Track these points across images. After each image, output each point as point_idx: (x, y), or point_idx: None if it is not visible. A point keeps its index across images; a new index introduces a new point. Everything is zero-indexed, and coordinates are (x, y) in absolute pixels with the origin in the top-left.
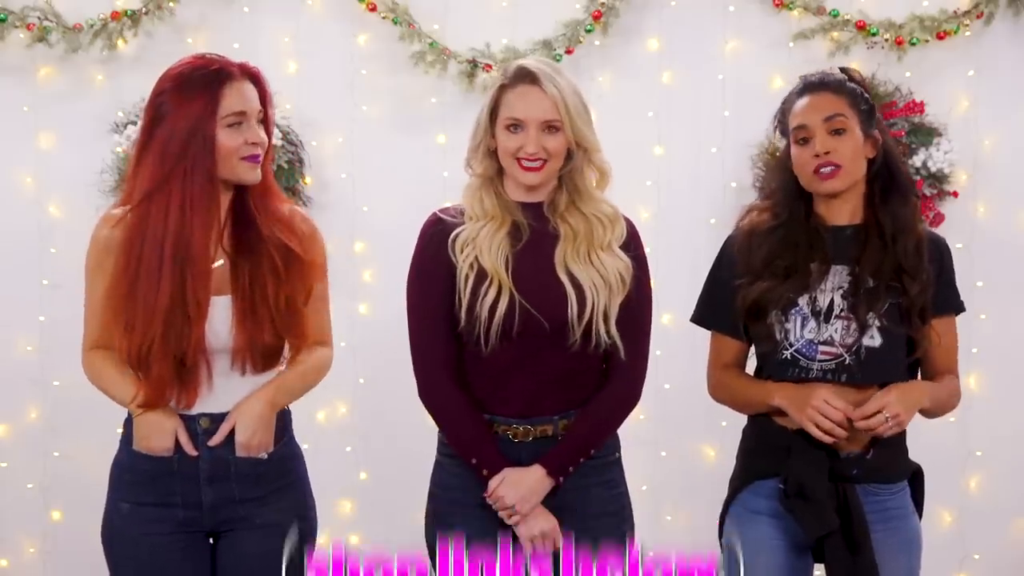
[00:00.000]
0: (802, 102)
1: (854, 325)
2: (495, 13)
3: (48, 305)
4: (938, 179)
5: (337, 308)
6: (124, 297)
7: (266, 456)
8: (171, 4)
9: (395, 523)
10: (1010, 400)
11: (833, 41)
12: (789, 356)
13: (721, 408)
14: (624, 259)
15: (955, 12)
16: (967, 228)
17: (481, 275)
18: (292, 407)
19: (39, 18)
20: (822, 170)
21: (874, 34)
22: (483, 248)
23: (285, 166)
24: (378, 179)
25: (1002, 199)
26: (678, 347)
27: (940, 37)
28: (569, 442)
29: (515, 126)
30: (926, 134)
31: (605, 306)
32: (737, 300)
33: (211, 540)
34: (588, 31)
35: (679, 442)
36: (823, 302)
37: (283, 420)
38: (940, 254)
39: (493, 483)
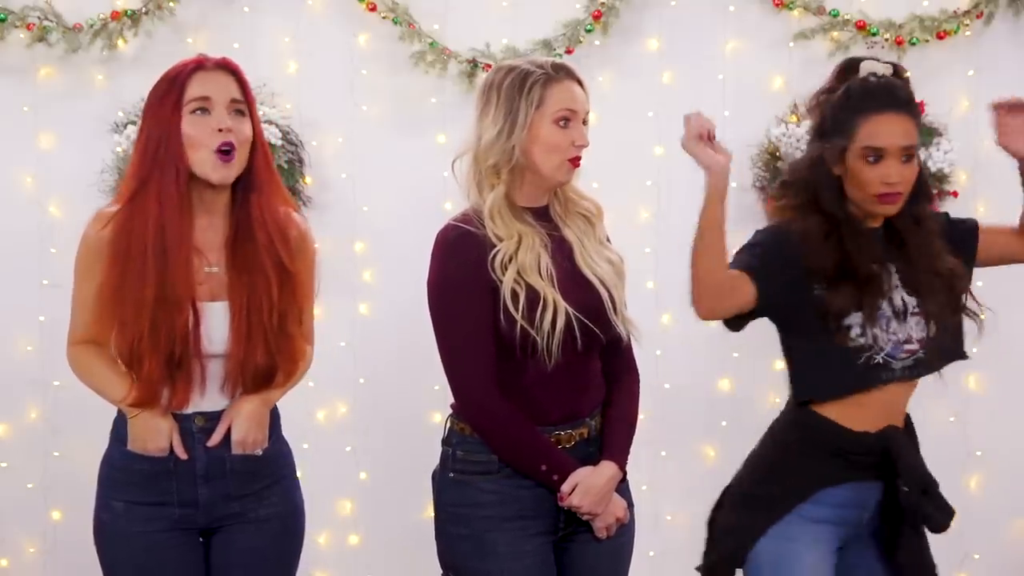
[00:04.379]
0: (882, 121)
1: (924, 319)
2: (495, 13)
3: (48, 305)
4: (938, 179)
5: (337, 308)
6: (115, 294)
7: (260, 453)
8: (171, 4)
9: (395, 523)
10: (1010, 400)
11: (833, 41)
12: (881, 360)
13: (721, 408)
14: (615, 249)
15: (955, 12)
16: None
17: (531, 293)
18: (292, 407)
19: (39, 18)
20: (887, 196)
21: (874, 34)
22: (527, 267)
23: (285, 166)
24: (378, 179)
25: (1002, 199)
26: (678, 347)
27: (940, 37)
28: (623, 433)
29: (566, 120)
30: (926, 134)
31: (621, 299)
32: (813, 303)
33: (201, 538)
34: (588, 31)
35: (679, 442)
36: (898, 302)
37: (273, 417)
38: (942, 222)
39: (565, 489)
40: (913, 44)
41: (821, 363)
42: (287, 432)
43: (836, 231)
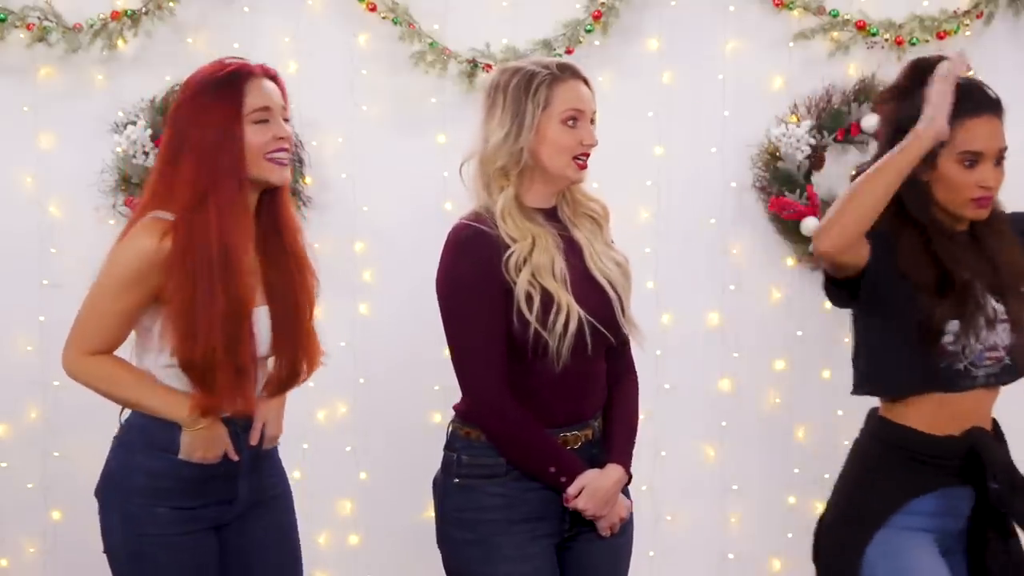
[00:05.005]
0: (979, 124)
1: (1011, 326)
2: (495, 13)
3: (48, 305)
4: None
5: (337, 308)
6: (187, 308)
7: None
8: (171, 4)
9: (395, 523)
10: (1010, 400)
11: (833, 41)
12: (963, 368)
13: (721, 408)
14: (620, 250)
15: (955, 12)
16: None
17: (546, 296)
18: (292, 407)
19: (39, 18)
20: (982, 200)
21: (874, 34)
22: (542, 269)
23: None
24: (378, 179)
25: (1002, 199)
26: (678, 347)
27: (940, 37)
28: (626, 434)
29: (573, 119)
30: None
31: (628, 301)
32: (912, 307)
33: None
34: (588, 31)
35: (679, 442)
36: (989, 311)
37: None
38: (1008, 219)
39: (572, 492)
40: (913, 44)
41: (898, 360)
42: (287, 432)
43: (930, 242)
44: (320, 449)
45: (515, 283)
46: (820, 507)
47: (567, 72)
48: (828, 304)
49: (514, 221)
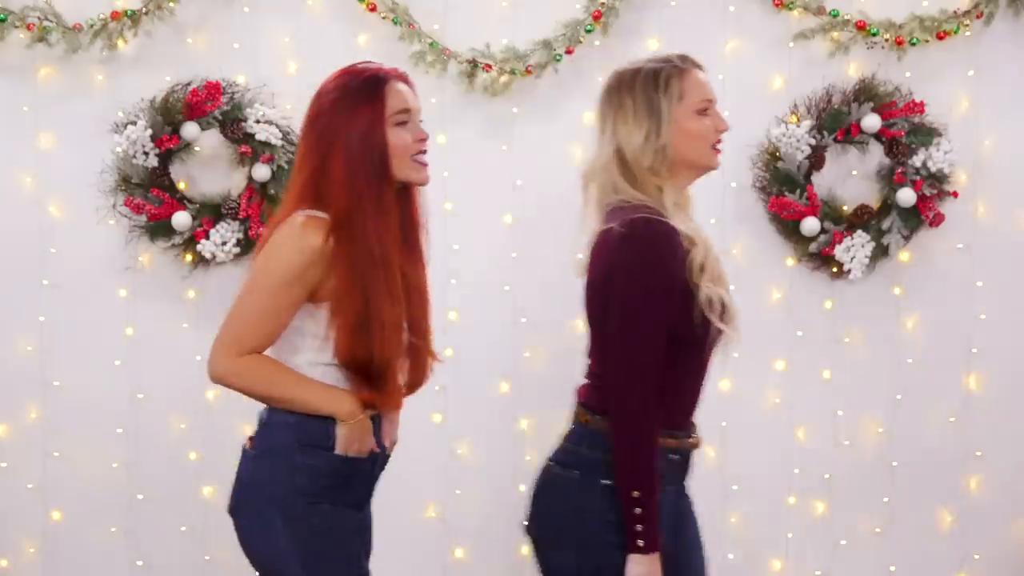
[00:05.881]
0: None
1: None
2: (495, 13)
3: (48, 305)
4: (938, 179)
5: None
6: (356, 309)
7: None
8: (171, 4)
9: (395, 523)
10: (1010, 400)
11: (833, 41)
12: None
13: (721, 408)
14: None
15: (955, 12)
16: (967, 228)
17: (722, 299)
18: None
19: (39, 18)
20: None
21: (874, 34)
22: (719, 278)
23: (285, 166)
24: None
25: (1002, 199)
26: None
27: (940, 37)
28: None
29: (706, 109)
30: (926, 134)
31: None
32: None
33: None
34: (588, 31)
35: None
36: None
37: None
38: None
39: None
40: (913, 44)
41: None
42: None
43: None
44: None
45: (696, 285)
46: (820, 507)
47: (688, 62)
48: (828, 304)
49: (681, 220)
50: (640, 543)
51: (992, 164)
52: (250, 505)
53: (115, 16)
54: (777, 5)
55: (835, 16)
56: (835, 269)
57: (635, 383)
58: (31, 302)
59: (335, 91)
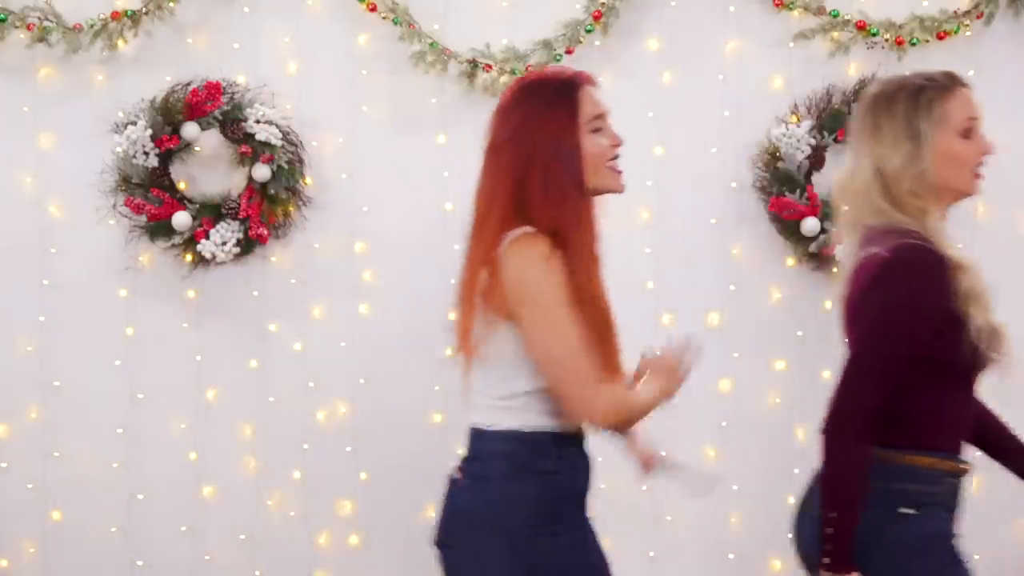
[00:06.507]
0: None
1: None
2: (495, 13)
3: (48, 305)
4: None
5: (337, 308)
6: (605, 331)
7: None
8: (171, 4)
9: (395, 523)
10: (1010, 400)
11: (833, 41)
12: None
13: (721, 408)
14: None
15: (955, 12)
16: (967, 228)
17: (994, 327)
18: (292, 408)
19: (39, 18)
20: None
21: (874, 34)
22: (987, 302)
23: (285, 166)
24: (378, 179)
25: (1002, 199)
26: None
27: (940, 37)
28: None
29: (969, 130)
30: None
31: None
32: None
33: None
34: (588, 31)
35: (679, 442)
36: None
37: None
38: None
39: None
40: (913, 44)
41: None
42: (287, 432)
43: None
44: (320, 449)
45: (967, 314)
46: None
47: (954, 80)
48: (828, 304)
49: (947, 244)
50: (826, 561)
51: (992, 164)
52: (467, 536)
53: (115, 16)
54: (777, 5)
55: (835, 16)
56: (835, 269)
57: (848, 404)
58: (31, 302)
59: (527, 98)
